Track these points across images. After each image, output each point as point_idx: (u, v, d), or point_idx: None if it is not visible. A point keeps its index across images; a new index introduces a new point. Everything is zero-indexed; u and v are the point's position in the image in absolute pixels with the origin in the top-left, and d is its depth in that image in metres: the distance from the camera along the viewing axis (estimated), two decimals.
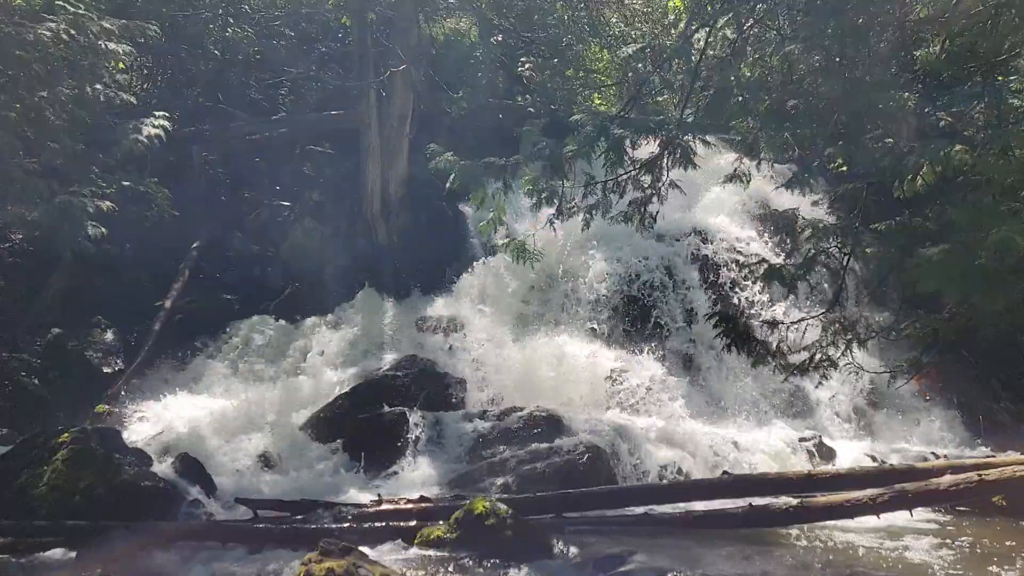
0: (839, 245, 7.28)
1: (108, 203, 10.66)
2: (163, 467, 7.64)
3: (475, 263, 12.59)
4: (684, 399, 10.10)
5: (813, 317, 7.64)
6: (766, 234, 12.25)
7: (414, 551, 6.09)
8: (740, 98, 7.71)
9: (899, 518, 6.60)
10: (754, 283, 8.90)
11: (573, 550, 6.04)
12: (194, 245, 13.13)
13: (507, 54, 16.36)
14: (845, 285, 7.42)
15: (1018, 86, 7.95)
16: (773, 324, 7.67)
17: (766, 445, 8.92)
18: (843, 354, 7.34)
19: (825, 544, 6.34)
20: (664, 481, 7.97)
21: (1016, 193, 6.13)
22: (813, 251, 7.24)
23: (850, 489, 6.57)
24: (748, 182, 8.22)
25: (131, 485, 6.92)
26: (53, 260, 11.63)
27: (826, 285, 10.49)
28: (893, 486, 6.44)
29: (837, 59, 7.08)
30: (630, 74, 14.79)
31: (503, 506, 6.16)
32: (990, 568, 5.79)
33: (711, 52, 7.88)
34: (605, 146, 7.23)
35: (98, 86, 10.98)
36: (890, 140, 7.00)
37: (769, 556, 6.04)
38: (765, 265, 7.41)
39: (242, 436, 8.99)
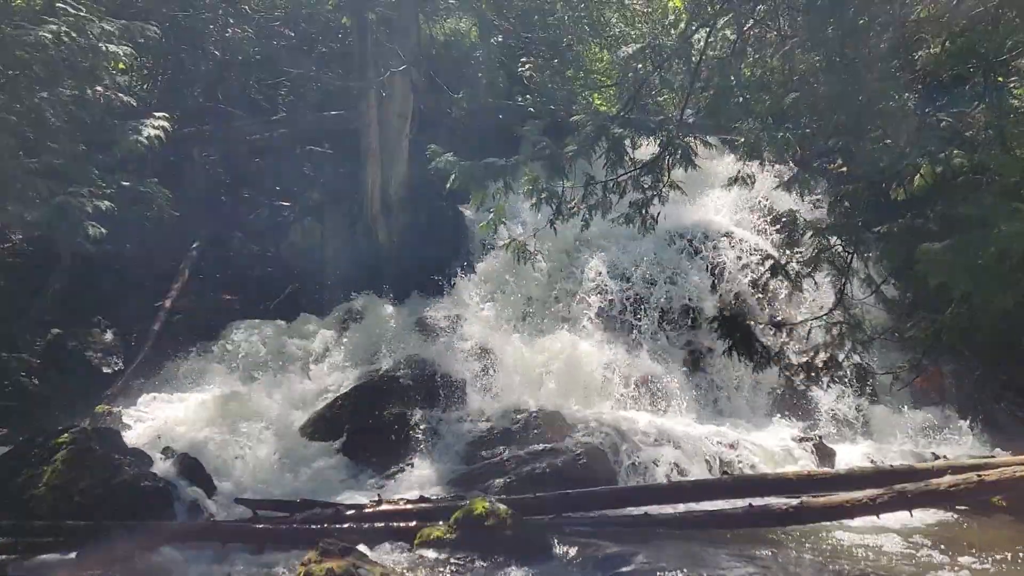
0: (842, 244, 7.26)
1: (108, 203, 10.64)
2: (163, 467, 7.64)
3: (475, 263, 12.59)
4: (684, 399, 10.11)
5: (816, 318, 7.62)
6: (769, 232, 12.21)
7: (414, 551, 6.10)
8: (740, 98, 7.70)
9: (899, 518, 6.61)
10: (757, 283, 8.89)
11: (573, 550, 6.04)
12: (194, 245, 13.13)
13: (507, 54, 16.34)
14: (848, 286, 7.39)
15: (1019, 87, 7.95)
16: (777, 326, 7.66)
17: (766, 445, 8.92)
18: (847, 356, 7.33)
19: (825, 544, 6.34)
20: (664, 481, 7.96)
21: (1018, 192, 6.11)
22: (817, 249, 7.23)
23: (850, 489, 6.58)
24: (753, 184, 8.20)
25: (131, 485, 6.93)
26: (53, 260, 11.63)
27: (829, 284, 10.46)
28: (893, 486, 6.45)
29: (837, 59, 7.07)
30: (630, 74, 14.77)
31: (503, 506, 6.16)
32: (990, 568, 5.79)
33: (711, 52, 7.88)
34: (605, 146, 7.22)
35: (98, 88, 10.97)
36: (890, 140, 6.99)
37: (769, 556, 6.05)
38: (771, 262, 7.41)
39: (242, 436, 8.99)
